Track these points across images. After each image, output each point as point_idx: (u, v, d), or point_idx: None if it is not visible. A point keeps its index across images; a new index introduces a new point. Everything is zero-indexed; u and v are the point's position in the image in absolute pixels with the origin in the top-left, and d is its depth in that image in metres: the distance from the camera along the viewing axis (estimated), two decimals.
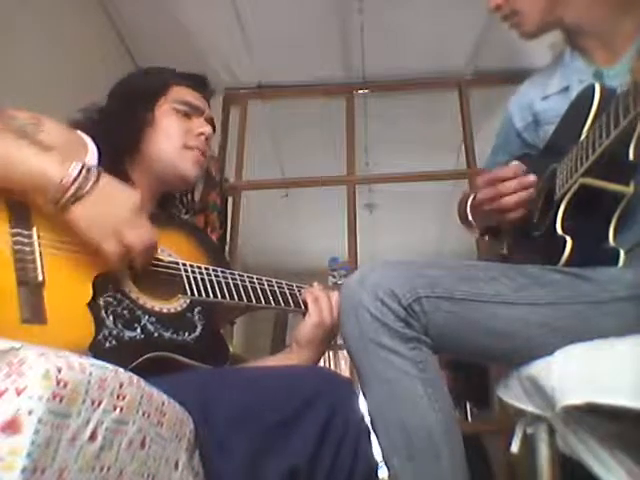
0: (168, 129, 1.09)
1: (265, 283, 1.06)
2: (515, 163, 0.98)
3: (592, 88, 0.92)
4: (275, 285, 1.07)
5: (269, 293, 1.04)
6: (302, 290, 1.08)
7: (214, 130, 1.19)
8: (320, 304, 1.04)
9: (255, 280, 1.05)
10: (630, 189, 0.87)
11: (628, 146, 0.84)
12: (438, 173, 2.77)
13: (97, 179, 0.83)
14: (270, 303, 1.04)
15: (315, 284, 1.09)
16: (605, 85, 0.91)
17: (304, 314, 1.05)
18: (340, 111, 2.73)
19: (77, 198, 0.81)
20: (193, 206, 1.26)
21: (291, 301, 1.05)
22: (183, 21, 2.31)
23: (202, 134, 1.11)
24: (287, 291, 1.07)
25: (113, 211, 0.84)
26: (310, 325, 1.01)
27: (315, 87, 2.77)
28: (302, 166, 2.97)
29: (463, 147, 2.67)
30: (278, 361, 1.02)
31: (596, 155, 0.83)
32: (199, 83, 1.19)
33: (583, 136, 0.89)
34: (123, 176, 1.08)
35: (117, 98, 1.13)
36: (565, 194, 0.90)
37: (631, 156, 0.85)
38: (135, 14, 2.28)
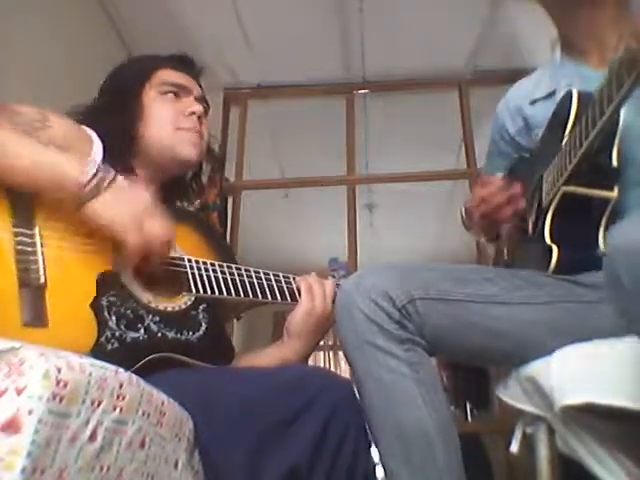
0: (158, 115, 1.08)
1: (272, 278, 1.04)
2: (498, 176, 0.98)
3: (570, 94, 0.92)
4: (282, 280, 1.05)
5: (276, 288, 1.03)
6: (279, 281, 1.06)
7: (208, 108, 1.17)
8: (313, 292, 1.02)
9: (262, 275, 1.03)
10: (614, 194, 0.87)
11: (610, 151, 0.84)
12: (438, 173, 2.77)
13: (113, 178, 0.86)
14: (276, 298, 1.02)
15: (312, 273, 1.08)
16: (582, 91, 0.91)
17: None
18: (340, 111, 2.73)
19: (96, 194, 0.83)
20: (202, 190, 1.26)
21: (297, 295, 1.04)
22: (183, 21, 2.31)
23: (193, 113, 1.10)
24: (294, 286, 1.05)
25: (130, 205, 0.86)
26: (301, 313, 1.00)
27: (315, 87, 2.77)
28: (302, 166, 2.97)
29: (463, 147, 2.67)
30: (270, 354, 1.01)
31: (574, 164, 0.83)
32: (183, 63, 1.17)
33: (563, 143, 0.89)
34: (127, 170, 1.08)
35: (105, 94, 1.13)
36: (551, 202, 0.90)
37: (614, 161, 0.85)
38: (135, 14, 2.28)
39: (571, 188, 0.87)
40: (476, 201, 1.00)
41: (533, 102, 1.10)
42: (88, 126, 1.06)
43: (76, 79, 1.94)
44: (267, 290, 1.02)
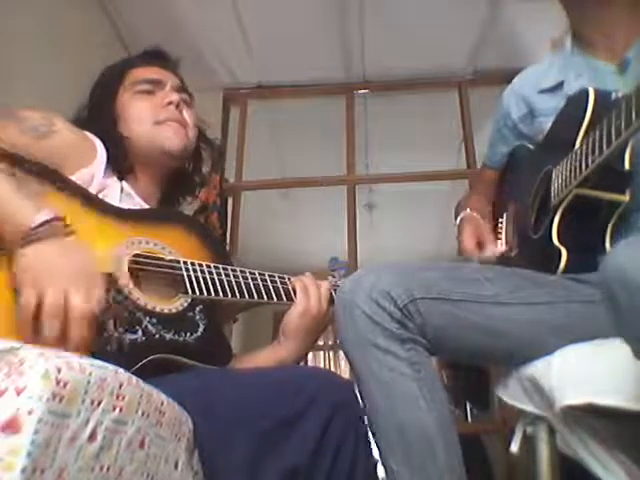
0: (135, 113, 1.09)
1: (268, 279, 1.05)
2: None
3: (586, 92, 0.91)
4: (278, 281, 1.06)
5: (271, 289, 1.04)
6: (275, 281, 1.06)
7: (190, 97, 1.17)
8: (308, 292, 1.03)
9: (257, 276, 1.04)
10: (626, 197, 0.87)
11: (623, 155, 0.84)
12: (438, 173, 2.77)
13: (63, 234, 0.78)
14: (272, 298, 1.03)
15: (307, 274, 1.08)
16: (599, 90, 0.91)
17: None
18: (340, 111, 2.73)
19: (29, 242, 0.75)
20: (205, 181, 1.25)
21: (293, 295, 1.04)
22: (183, 21, 2.31)
23: (170, 103, 1.10)
24: (290, 286, 1.06)
25: (59, 265, 0.75)
26: (296, 313, 1.00)
27: (315, 87, 2.77)
28: (302, 166, 2.97)
29: (463, 147, 2.67)
30: (266, 355, 1.01)
31: (590, 169, 0.83)
32: (154, 57, 1.17)
33: (577, 145, 0.89)
34: (127, 171, 1.08)
35: (87, 105, 1.14)
36: (560, 203, 0.90)
37: (627, 165, 0.85)
38: (135, 14, 2.28)
39: (583, 191, 0.87)
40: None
41: (540, 92, 1.09)
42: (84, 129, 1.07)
43: (76, 79, 1.94)
44: (262, 290, 1.02)
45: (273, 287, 1.04)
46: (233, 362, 0.99)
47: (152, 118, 1.08)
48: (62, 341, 0.70)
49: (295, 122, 2.87)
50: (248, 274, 1.03)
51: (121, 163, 1.07)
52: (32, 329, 0.70)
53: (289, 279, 1.07)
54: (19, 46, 1.71)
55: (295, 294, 1.03)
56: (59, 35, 1.93)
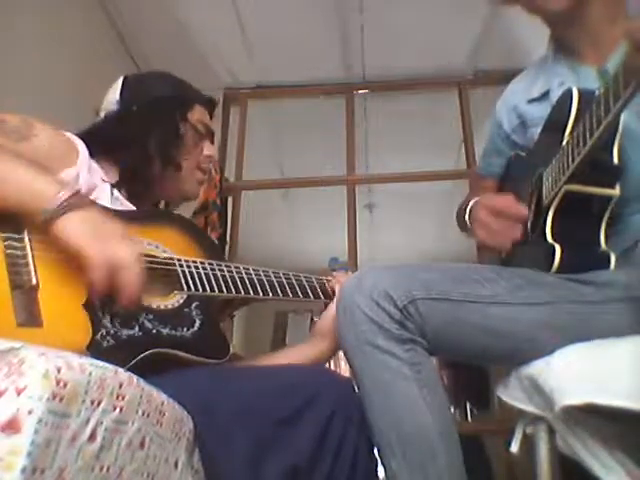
0: (189, 149, 1.14)
1: (262, 274, 1.05)
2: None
3: (570, 92, 0.91)
4: (272, 275, 1.06)
5: (266, 283, 1.04)
6: (310, 279, 1.09)
7: None
8: None
9: (252, 271, 1.04)
10: (616, 192, 0.87)
11: (611, 149, 0.84)
12: (438, 173, 2.77)
13: (88, 205, 0.84)
14: (267, 294, 1.03)
15: (349, 273, 1.10)
16: (583, 89, 0.91)
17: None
18: (340, 111, 2.73)
19: (68, 209, 0.80)
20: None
21: (288, 290, 1.05)
22: (183, 21, 2.32)
23: (210, 157, 1.19)
24: (284, 280, 1.07)
25: (102, 226, 0.83)
26: (333, 315, 0.99)
27: (315, 87, 2.77)
28: (302, 166, 2.97)
29: (463, 147, 2.67)
30: (297, 352, 1.03)
31: (576, 163, 0.82)
32: (213, 107, 1.24)
33: (564, 142, 0.89)
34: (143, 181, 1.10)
35: (143, 104, 1.12)
36: (552, 201, 0.90)
37: (615, 159, 0.85)
38: (135, 14, 2.28)
39: (573, 187, 0.87)
40: (491, 212, 0.98)
41: (529, 101, 1.10)
42: (117, 131, 1.08)
43: (76, 79, 1.94)
44: (258, 286, 1.03)
45: (268, 282, 1.05)
46: (257, 361, 1.00)
47: (197, 160, 1.16)
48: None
49: (295, 122, 2.87)
50: (242, 270, 1.04)
51: (137, 181, 1.08)
52: (107, 285, 0.79)
53: (284, 274, 1.08)
54: (20, 46, 1.71)
55: (292, 291, 1.05)
56: (60, 35, 1.93)
